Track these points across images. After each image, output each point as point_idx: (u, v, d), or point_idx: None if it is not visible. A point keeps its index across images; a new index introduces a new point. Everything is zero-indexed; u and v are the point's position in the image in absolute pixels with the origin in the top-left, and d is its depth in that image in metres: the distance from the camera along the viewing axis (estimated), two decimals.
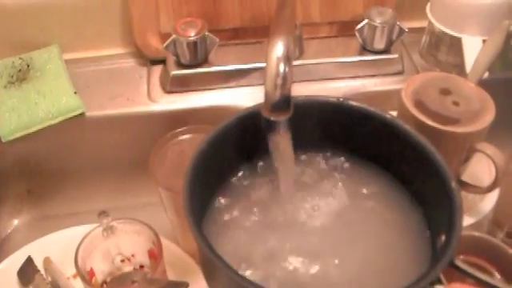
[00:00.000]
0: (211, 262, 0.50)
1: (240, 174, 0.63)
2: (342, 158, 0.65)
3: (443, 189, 0.56)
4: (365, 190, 0.63)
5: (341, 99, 0.63)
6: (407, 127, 0.61)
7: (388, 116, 0.62)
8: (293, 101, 0.54)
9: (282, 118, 0.53)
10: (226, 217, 0.60)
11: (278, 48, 0.51)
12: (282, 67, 0.51)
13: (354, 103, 0.63)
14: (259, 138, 0.57)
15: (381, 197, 0.62)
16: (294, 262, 0.56)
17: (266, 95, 0.52)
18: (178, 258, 0.79)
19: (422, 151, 0.59)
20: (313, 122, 0.63)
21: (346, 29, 0.91)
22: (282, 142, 0.56)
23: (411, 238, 0.59)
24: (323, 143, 0.65)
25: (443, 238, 0.54)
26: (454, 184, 0.55)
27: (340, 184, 0.63)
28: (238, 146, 0.62)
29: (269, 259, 0.56)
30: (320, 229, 0.59)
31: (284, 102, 0.52)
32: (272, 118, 0.53)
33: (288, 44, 0.52)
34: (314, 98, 0.64)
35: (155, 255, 0.72)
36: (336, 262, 0.56)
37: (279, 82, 0.51)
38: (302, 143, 0.63)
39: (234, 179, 0.63)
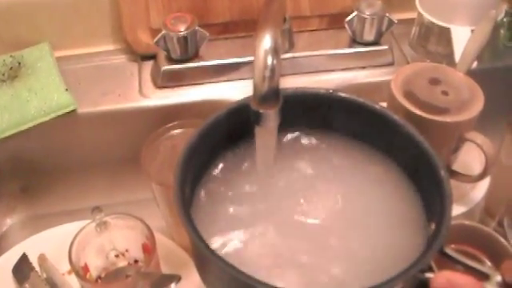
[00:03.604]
0: (203, 255, 0.51)
1: (231, 164, 0.64)
2: (336, 144, 0.65)
3: (434, 178, 0.56)
4: (361, 173, 0.63)
5: (330, 91, 0.64)
6: (396, 117, 0.61)
7: (377, 107, 0.62)
8: (282, 93, 0.54)
9: (270, 111, 0.54)
10: (217, 206, 0.60)
11: (266, 41, 0.52)
12: (269, 60, 0.51)
13: (343, 94, 0.64)
14: (249, 130, 0.57)
15: (379, 181, 0.63)
16: (285, 247, 0.56)
17: (255, 88, 0.52)
18: (172, 252, 0.79)
19: (412, 141, 0.59)
20: (303, 113, 0.64)
21: (335, 21, 0.91)
22: (267, 134, 0.57)
23: (409, 225, 0.59)
24: (314, 132, 0.66)
25: (433, 226, 0.54)
26: (443, 173, 0.56)
27: (337, 167, 0.64)
28: (228, 139, 0.63)
29: (259, 245, 0.56)
30: (319, 217, 0.59)
31: (272, 95, 0.53)
32: (261, 111, 0.54)
33: (276, 37, 0.52)
34: (304, 90, 0.65)
35: (149, 249, 0.72)
36: (332, 243, 0.57)
37: (267, 74, 0.51)
38: (293, 130, 0.64)
39: (224, 170, 0.63)
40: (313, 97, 0.64)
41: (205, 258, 0.52)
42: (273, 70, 0.51)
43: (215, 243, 0.56)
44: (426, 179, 0.58)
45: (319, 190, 0.61)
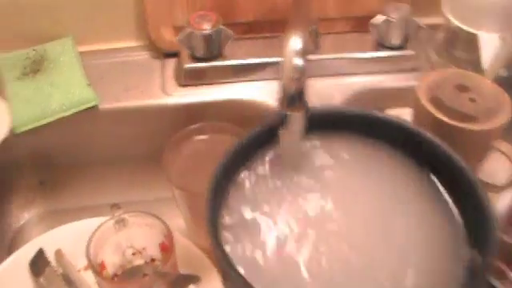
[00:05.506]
0: (232, 279, 0.50)
1: (260, 179, 0.62)
2: (374, 155, 0.64)
3: (476, 204, 0.55)
4: (396, 184, 0.61)
5: (371, 111, 0.63)
6: (432, 136, 0.60)
7: (414, 127, 0.61)
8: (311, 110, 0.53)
9: (297, 113, 0.53)
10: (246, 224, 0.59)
11: (294, 42, 0.51)
12: (298, 61, 0.51)
13: (380, 115, 0.63)
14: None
15: (419, 195, 0.60)
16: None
17: (282, 89, 0.52)
18: (190, 253, 0.78)
19: (450, 162, 0.58)
20: (335, 127, 0.63)
21: (361, 24, 0.91)
22: (292, 138, 0.56)
23: (449, 246, 0.56)
24: (348, 144, 0.64)
25: (477, 252, 0.52)
26: (486, 201, 0.54)
27: (374, 180, 0.62)
28: (260, 153, 0.62)
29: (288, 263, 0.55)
30: (351, 237, 0.57)
31: (299, 96, 0.52)
32: (287, 113, 0.53)
33: (304, 38, 0.52)
34: (336, 108, 0.63)
35: (166, 248, 0.72)
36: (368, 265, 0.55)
37: (295, 75, 0.51)
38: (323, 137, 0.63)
39: (254, 184, 0.62)
40: (344, 115, 0.63)
41: (233, 281, 0.51)
42: (301, 71, 0.51)
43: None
44: (468, 203, 0.56)
45: (354, 206, 0.59)
